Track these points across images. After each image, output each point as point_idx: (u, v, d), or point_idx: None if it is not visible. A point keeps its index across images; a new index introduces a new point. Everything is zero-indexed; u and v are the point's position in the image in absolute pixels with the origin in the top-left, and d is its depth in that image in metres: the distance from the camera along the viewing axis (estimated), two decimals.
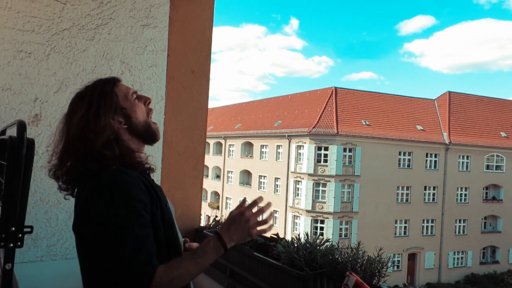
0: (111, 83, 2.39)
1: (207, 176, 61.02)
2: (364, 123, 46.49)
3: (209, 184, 61.16)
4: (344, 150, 44.05)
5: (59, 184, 2.31)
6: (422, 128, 49.56)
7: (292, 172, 46.46)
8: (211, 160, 60.70)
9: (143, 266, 1.92)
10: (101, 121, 2.21)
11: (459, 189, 50.04)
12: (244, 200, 2.33)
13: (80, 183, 2.21)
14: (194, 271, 2.07)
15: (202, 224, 5.52)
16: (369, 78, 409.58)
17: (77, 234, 2.19)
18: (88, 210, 2.06)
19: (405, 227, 47.52)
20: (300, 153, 45.80)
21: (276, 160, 49.76)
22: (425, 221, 48.49)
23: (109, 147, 2.19)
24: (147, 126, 2.43)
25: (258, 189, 52.55)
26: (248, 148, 56.15)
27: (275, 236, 4.06)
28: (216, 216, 5.54)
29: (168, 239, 2.25)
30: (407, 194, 47.61)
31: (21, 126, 2.09)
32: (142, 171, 2.32)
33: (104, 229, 1.97)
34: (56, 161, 2.28)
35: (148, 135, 2.45)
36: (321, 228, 43.67)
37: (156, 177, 3.51)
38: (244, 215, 2.21)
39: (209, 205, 59.74)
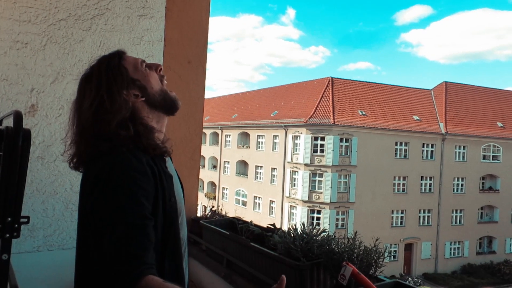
0: (117, 56, 2.27)
1: (204, 166, 61.00)
2: (360, 113, 46.49)
3: (206, 174, 61.16)
4: (341, 140, 44.04)
5: (80, 171, 2.20)
6: (418, 118, 49.57)
7: (288, 162, 46.46)
8: (207, 150, 60.66)
9: (132, 259, 1.75)
10: (116, 99, 2.10)
11: (456, 179, 50.11)
12: (282, 279, 1.70)
13: (88, 165, 2.11)
14: None
15: (199, 214, 5.53)
16: (366, 68, 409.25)
17: (78, 217, 2.12)
18: (88, 192, 1.99)
19: (401, 217, 47.61)
20: (296, 143, 45.82)
21: (272, 150, 49.75)
22: (422, 211, 48.58)
23: (124, 127, 2.06)
24: (164, 93, 2.30)
25: (255, 179, 52.62)
26: (244, 138, 56.14)
27: (272, 226, 4.06)
28: (213, 207, 5.54)
29: (165, 236, 2.07)
30: (403, 184, 47.67)
31: (18, 117, 2.09)
32: (156, 155, 2.16)
33: (99, 214, 1.88)
34: (72, 151, 2.19)
35: (167, 104, 2.31)
36: (318, 218, 43.75)
37: None
38: None
39: (205, 195, 59.77)
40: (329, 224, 41.88)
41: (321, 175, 44.06)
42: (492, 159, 52.07)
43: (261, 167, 51.86)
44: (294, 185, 45.98)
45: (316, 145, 44.18)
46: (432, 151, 49.05)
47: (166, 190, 2.09)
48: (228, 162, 58.55)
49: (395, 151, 46.92)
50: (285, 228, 3.84)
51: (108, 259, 1.76)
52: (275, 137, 49.54)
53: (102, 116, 2.05)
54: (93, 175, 1.97)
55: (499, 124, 53.49)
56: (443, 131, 48.70)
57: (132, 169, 1.94)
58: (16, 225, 2.08)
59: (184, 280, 2.23)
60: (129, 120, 2.10)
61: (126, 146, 2.01)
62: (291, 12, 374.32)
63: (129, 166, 1.94)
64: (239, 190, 55.57)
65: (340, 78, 50.97)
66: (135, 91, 2.19)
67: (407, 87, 54.84)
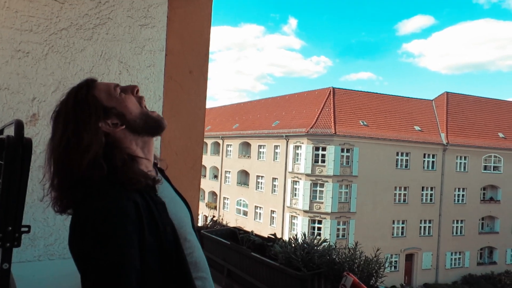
0: (85, 87, 2.04)
1: (205, 176, 60.99)
2: (362, 124, 46.50)
3: (207, 184, 61.13)
4: (342, 150, 44.03)
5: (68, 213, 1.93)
6: (419, 128, 49.58)
7: (289, 172, 46.46)
8: (208, 160, 60.70)
9: None
10: (82, 136, 1.87)
11: (457, 189, 50.07)
12: None
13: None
14: None
15: (200, 224, 5.54)
16: (368, 78, 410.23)
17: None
18: (70, 245, 1.79)
19: (402, 228, 47.55)
20: (297, 153, 45.80)
21: (273, 160, 49.77)
22: (423, 222, 48.53)
23: (96, 166, 1.85)
24: (145, 116, 2.09)
25: (256, 189, 52.61)
26: (245, 148, 56.15)
27: (273, 236, 4.07)
28: (214, 216, 5.56)
29: (167, 268, 1.86)
30: (404, 195, 47.62)
31: (19, 126, 2.09)
32: (141, 187, 1.91)
33: (81, 270, 1.72)
34: (53, 195, 1.93)
35: (150, 126, 2.11)
36: (319, 229, 43.69)
37: None
38: None
39: (206, 205, 59.75)
40: (330, 234, 41.81)
41: (322, 185, 44.03)
42: (493, 170, 52.07)
43: (262, 177, 51.86)
44: (295, 195, 45.97)
45: (317, 155, 44.18)
46: (433, 162, 49.06)
47: (158, 221, 1.88)
48: (229, 172, 58.55)
49: (396, 161, 46.92)
50: (286, 238, 3.84)
51: None
52: (276, 147, 49.55)
53: (71, 156, 1.85)
54: (71, 228, 1.80)
55: (500, 134, 53.50)
56: (444, 142, 48.71)
57: (109, 216, 1.73)
58: (17, 234, 2.07)
59: None
60: (104, 155, 1.90)
61: (100, 189, 1.82)
62: (292, 22, 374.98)
63: (105, 215, 1.73)
64: (240, 200, 55.54)
65: (342, 88, 51.05)
66: (113, 119, 2.00)
67: (408, 97, 54.86)
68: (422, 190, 48.50)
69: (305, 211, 44.27)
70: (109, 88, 2.06)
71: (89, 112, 1.92)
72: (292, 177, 46.22)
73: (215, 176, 62.39)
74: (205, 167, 60.29)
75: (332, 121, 44.95)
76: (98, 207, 1.73)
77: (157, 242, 1.83)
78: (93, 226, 1.70)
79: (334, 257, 3.17)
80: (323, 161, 43.95)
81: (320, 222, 44.05)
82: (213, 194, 62.55)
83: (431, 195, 49.13)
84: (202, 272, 2.11)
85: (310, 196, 44.28)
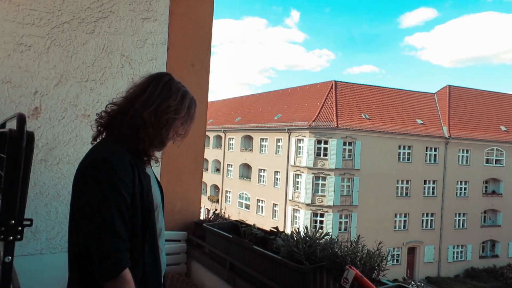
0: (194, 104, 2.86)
1: (207, 169, 60.97)
2: (364, 117, 46.42)
3: (209, 178, 61.13)
4: (344, 143, 44.00)
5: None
6: (422, 122, 49.50)
7: (292, 165, 46.43)
8: (210, 153, 60.64)
9: (120, 254, 2.19)
10: (179, 127, 2.71)
11: (459, 183, 50.03)
12: None
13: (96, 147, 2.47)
14: None
15: (202, 217, 5.53)
16: (370, 71, 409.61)
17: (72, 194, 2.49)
18: (79, 179, 2.36)
19: (404, 221, 47.53)
20: (300, 147, 45.75)
21: (276, 153, 49.72)
22: (425, 215, 48.52)
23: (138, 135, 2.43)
24: (152, 149, 2.61)
25: (258, 182, 52.58)
26: (248, 141, 56.10)
27: (275, 230, 4.06)
28: (216, 210, 5.54)
29: (144, 224, 2.39)
30: (406, 188, 47.59)
31: (21, 119, 2.09)
32: (140, 158, 2.52)
33: (87, 208, 2.28)
34: (115, 109, 2.54)
35: (148, 155, 2.59)
36: (321, 222, 43.67)
37: (156, 171, 3.51)
38: None
39: (208, 199, 59.71)
40: (332, 228, 41.86)
41: (324, 179, 44.00)
42: (495, 163, 52.02)
43: (264, 170, 51.84)
44: (297, 189, 45.96)
45: (319, 149, 44.15)
46: (435, 155, 49.00)
47: (144, 185, 2.41)
48: (231, 165, 58.51)
49: (398, 155, 46.87)
50: (288, 231, 3.83)
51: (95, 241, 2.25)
52: (278, 140, 49.51)
53: (162, 120, 2.53)
54: (87, 168, 2.32)
55: (503, 128, 53.42)
56: (446, 135, 48.65)
57: (117, 165, 2.27)
58: (20, 228, 2.07)
59: (160, 263, 2.57)
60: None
61: (123, 145, 2.41)
62: (295, 15, 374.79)
63: (115, 163, 2.27)
64: (242, 193, 55.53)
65: (344, 82, 50.92)
66: (179, 130, 2.76)
67: (410, 90, 54.73)
68: (424, 184, 48.49)
69: (307, 205, 44.28)
70: (188, 128, 2.86)
71: (185, 119, 2.80)
72: (294, 171, 46.20)
73: (217, 170, 62.37)
74: (207, 161, 60.24)
75: (334, 114, 44.90)
76: (109, 158, 2.28)
77: (141, 201, 2.38)
78: (104, 172, 2.24)
79: (336, 250, 3.16)
80: (325, 155, 43.92)
81: (322, 215, 44.05)
82: (215, 187, 62.53)
83: (433, 188, 49.12)
84: (161, 239, 2.65)
85: (312, 189, 44.28)
